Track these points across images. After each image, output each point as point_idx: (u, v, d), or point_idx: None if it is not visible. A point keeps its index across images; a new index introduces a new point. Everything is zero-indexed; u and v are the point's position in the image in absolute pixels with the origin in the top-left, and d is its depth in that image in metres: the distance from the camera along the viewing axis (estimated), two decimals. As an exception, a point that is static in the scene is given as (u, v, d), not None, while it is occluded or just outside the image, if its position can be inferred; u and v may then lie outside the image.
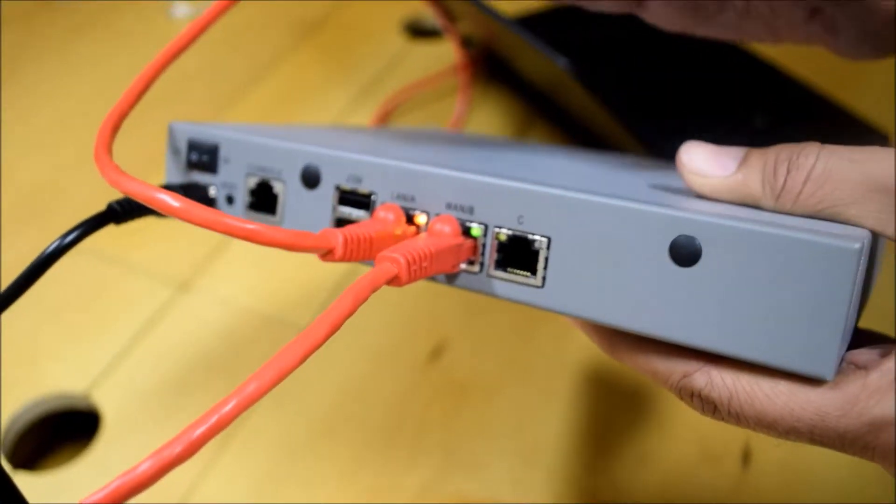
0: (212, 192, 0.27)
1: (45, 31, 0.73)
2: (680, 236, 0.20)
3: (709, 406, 0.21)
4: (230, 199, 0.26)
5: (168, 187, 0.26)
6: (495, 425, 0.42)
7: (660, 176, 0.29)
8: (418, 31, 0.74)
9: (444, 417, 0.43)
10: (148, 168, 0.55)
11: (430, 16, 0.72)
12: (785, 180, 0.21)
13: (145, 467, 0.14)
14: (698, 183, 0.23)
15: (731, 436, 0.41)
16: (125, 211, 0.24)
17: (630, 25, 0.38)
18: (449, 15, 0.66)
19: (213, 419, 0.15)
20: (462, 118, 0.61)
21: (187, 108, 0.62)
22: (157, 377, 0.44)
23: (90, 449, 0.41)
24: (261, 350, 0.46)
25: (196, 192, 0.26)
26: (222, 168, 0.26)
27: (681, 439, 0.42)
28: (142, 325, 0.46)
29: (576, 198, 0.21)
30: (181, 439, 0.15)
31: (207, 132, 0.26)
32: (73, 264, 0.49)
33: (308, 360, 0.48)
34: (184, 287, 0.49)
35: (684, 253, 0.20)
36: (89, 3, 0.76)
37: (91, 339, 0.46)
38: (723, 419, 0.22)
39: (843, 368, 0.20)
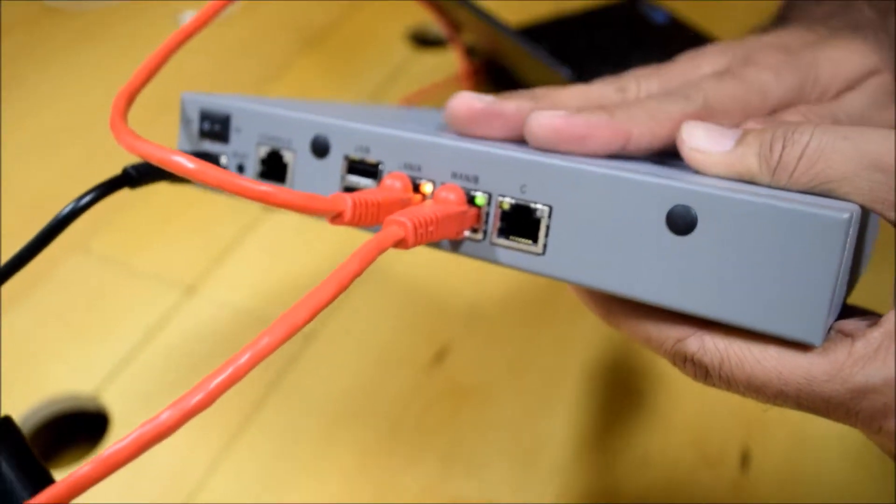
0: (223, 160, 0.27)
1: (49, 37, 0.72)
2: (677, 206, 0.21)
3: (700, 370, 0.22)
4: (241, 168, 0.27)
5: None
6: (496, 427, 0.43)
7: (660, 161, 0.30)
8: (423, 41, 0.75)
9: (445, 419, 0.43)
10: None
11: (435, 25, 0.73)
12: (780, 156, 0.22)
13: (166, 416, 0.15)
14: (697, 158, 0.24)
15: (729, 438, 0.42)
16: (140, 175, 0.24)
17: (632, 36, 0.39)
18: (453, 25, 0.67)
19: (230, 370, 0.16)
20: None
21: None
22: (164, 378, 0.44)
23: (98, 450, 0.41)
24: None
25: (207, 161, 0.27)
26: (233, 137, 0.27)
27: (680, 441, 0.42)
28: (148, 328, 0.47)
29: (577, 168, 0.22)
30: (200, 389, 0.15)
31: (219, 102, 0.27)
32: (80, 268, 0.50)
33: (312, 363, 0.49)
34: (190, 290, 0.49)
35: (681, 222, 0.21)
36: (95, 9, 0.76)
37: (98, 341, 0.46)
38: (714, 384, 0.22)
39: (831, 336, 0.21)
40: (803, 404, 0.21)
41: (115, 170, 0.21)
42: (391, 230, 0.21)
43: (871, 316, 0.23)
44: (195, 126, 0.27)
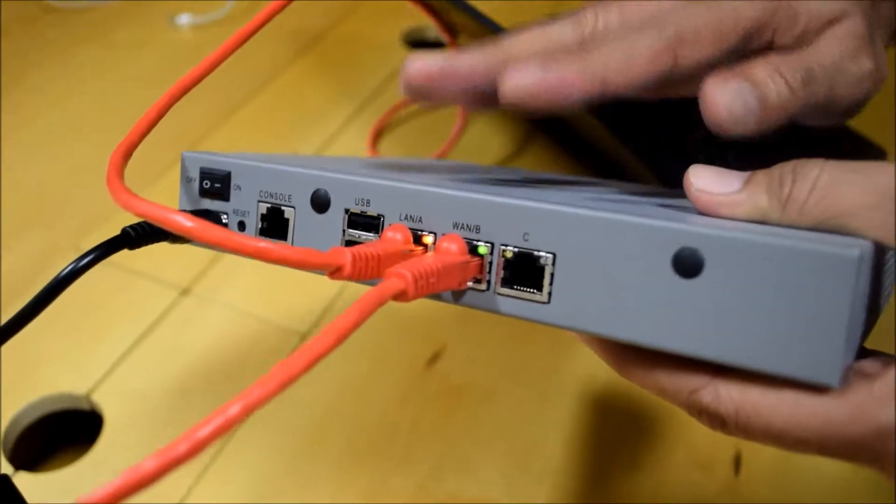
0: (224, 219, 0.27)
1: (48, 37, 0.74)
2: (683, 248, 0.20)
3: (717, 421, 0.22)
4: (242, 226, 0.27)
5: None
6: (490, 429, 0.43)
7: (666, 199, 0.29)
8: (419, 44, 0.75)
9: (439, 421, 0.43)
10: (146, 177, 0.56)
11: (431, 28, 0.73)
12: (790, 190, 0.22)
13: (150, 465, 0.14)
14: (704, 199, 0.23)
15: (722, 443, 0.42)
16: (139, 235, 0.24)
17: None
18: (449, 28, 0.67)
19: (219, 420, 0.15)
20: (461, 131, 0.62)
21: (185, 118, 0.62)
22: (159, 380, 0.44)
23: (92, 450, 0.41)
24: (260, 355, 0.46)
25: (209, 219, 0.27)
26: (234, 195, 0.27)
27: (673, 445, 0.42)
28: (144, 329, 0.47)
29: (579, 214, 0.21)
30: (186, 439, 0.15)
31: (219, 160, 0.27)
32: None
33: None
34: (186, 292, 0.50)
35: (687, 264, 0.20)
36: (93, 11, 0.77)
37: (93, 342, 0.47)
38: (732, 433, 0.22)
39: (849, 377, 0.20)
40: (826, 450, 0.20)
41: None
42: (391, 282, 0.20)
43: (886, 356, 0.22)
44: (196, 185, 0.27)
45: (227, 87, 0.67)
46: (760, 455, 0.41)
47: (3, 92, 0.66)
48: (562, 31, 0.27)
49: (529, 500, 0.40)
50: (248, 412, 0.16)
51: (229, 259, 0.52)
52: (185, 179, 0.28)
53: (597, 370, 0.46)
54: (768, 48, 0.27)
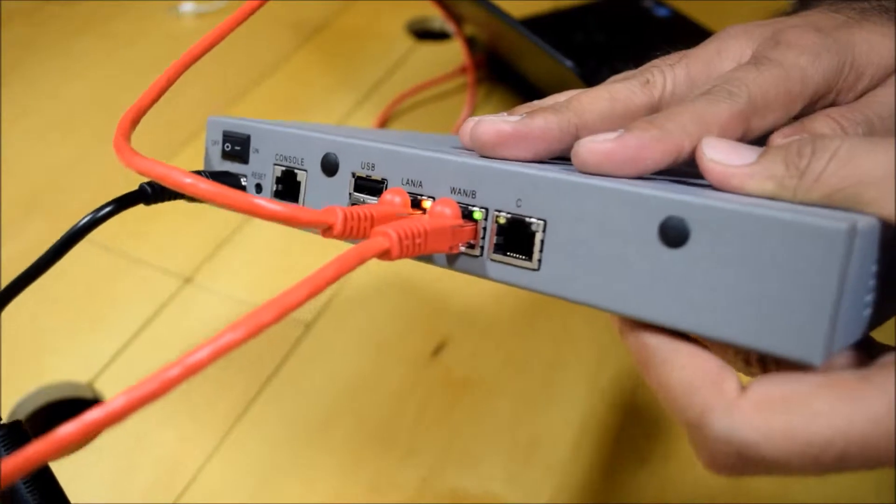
0: (243, 181, 0.28)
1: (49, 27, 0.74)
2: (669, 217, 0.20)
3: (730, 453, 0.20)
4: (259, 188, 0.28)
5: (203, 175, 0.28)
6: (493, 422, 0.43)
7: (680, 176, 0.29)
8: (423, 34, 0.75)
9: (442, 413, 0.43)
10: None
11: (436, 17, 0.73)
12: (809, 160, 0.21)
13: (119, 402, 0.15)
14: (717, 171, 0.23)
15: None
16: (155, 193, 0.25)
17: (634, 29, 0.38)
18: (455, 17, 0.67)
19: (187, 362, 0.16)
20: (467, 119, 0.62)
21: (188, 107, 0.62)
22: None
23: (94, 440, 0.42)
24: (261, 342, 0.47)
25: (229, 181, 0.28)
26: (253, 158, 0.28)
27: (678, 439, 0.41)
28: (146, 317, 0.48)
29: (569, 180, 0.22)
30: (155, 379, 0.16)
31: (240, 124, 0.28)
32: (79, 256, 0.51)
33: (311, 354, 0.49)
34: (188, 280, 0.50)
35: (673, 234, 0.20)
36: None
37: (96, 329, 0.47)
38: (749, 469, 0.20)
39: (874, 372, 0.20)
40: (873, 450, 0.19)
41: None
42: (376, 241, 0.21)
43: None
44: (219, 147, 0.28)
45: (232, 76, 0.67)
46: None
47: (4, 82, 0.67)
48: (631, 92, 0.26)
49: (533, 494, 0.40)
50: (215, 356, 0.17)
51: (233, 248, 0.52)
52: (210, 143, 0.29)
53: (602, 363, 0.45)
54: (831, 102, 0.27)
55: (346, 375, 0.45)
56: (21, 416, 0.44)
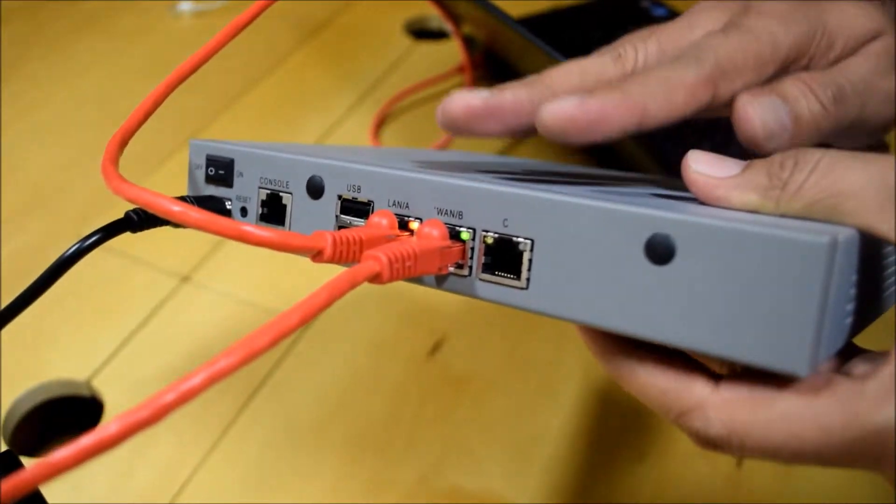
0: (228, 205, 0.28)
1: (49, 27, 0.74)
2: (655, 234, 0.20)
3: (709, 445, 0.22)
4: (244, 212, 0.28)
5: (187, 200, 0.28)
6: (491, 420, 0.43)
7: (665, 189, 0.30)
8: (421, 33, 0.75)
9: (441, 411, 0.43)
10: (151, 163, 0.57)
11: (434, 17, 0.73)
12: (791, 172, 0.22)
13: (113, 428, 0.15)
14: (701, 182, 0.23)
15: None
16: (141, 220, 0.25)
17: (631, 29, 0.39)
18: (453, 16, 0.67)
19: (182, 388, 0.16)
20: None
21: (188, 106, 0.62)
22: (159, 367, 0.45)
23: None
24: None
25: (213, 205, 0.28)
26: (237, 182, 0.28)
27: (675, 435, 0.42)
28: (145, 316, 0.48)
29: (553, 199, 0.22)
30: (149, 405, 0.16)
31: (223, 147, 0.28)
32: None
33: (308, 353, 0.49)
34: (186, 280, 0.50)
35: (659, 251, 0.20)
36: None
37: (94, 328, 0.47)
38: (726, 452, 0.22)
39: (840, 381, 0.20)
40: (825, 459, 0.20)
41: None
42: (367, 265, 0.21)
43: (873, 354, 0.22)
44: (202, 172, 0.28)
45: (230, 76, 0.68)
46: None
47: (4, 80, 0.67)
48: (603, 66, 0.27)
49: (531, 491, 0.40)
50: (210, 382, 0.17)
51: (230, 247, 0.52)
52: (193, 166, 0.29)
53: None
54: (803, 70, 0.28)
55: (343, 374, 0.45)
56: (19, 413, 0.44)
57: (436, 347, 0.47)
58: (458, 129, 0.25)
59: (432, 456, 0.41)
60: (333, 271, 0.55)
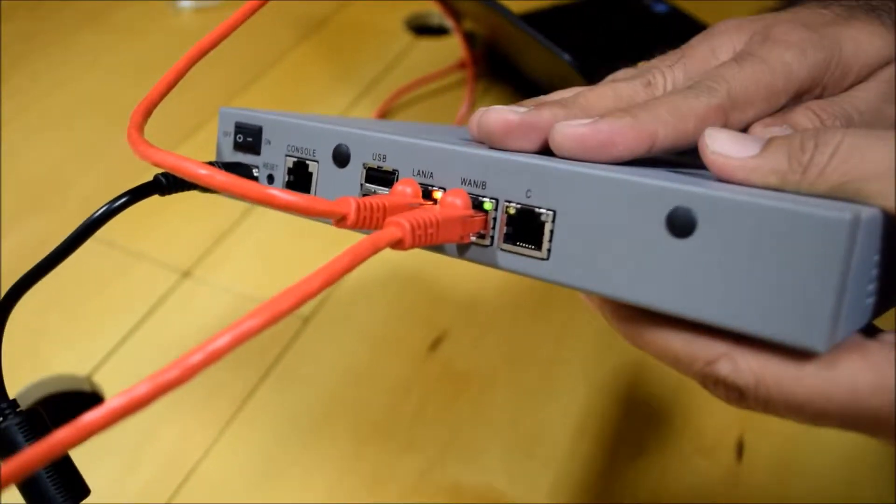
0: (255, 172, 0.29)
1: (50, 21, 0.74)
2: (676, 208, 0.20)
3: (734, 393, 0.21)
4: (271, 179, 0.28)
5: (215, 165, 0.28)
6: (492, 416, 0.43)
7: (684, 166, 0.30)
8: (422, 29, 0.75)
9: (443, 406, 0.43)
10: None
11: (434, 13, 0.73)
12: (812, 154, 0.22)
13: (143, 389, 0.16)
14: (721, 163, 0.23)
15: (724, 428, 0.42)
16: (170, 183, 0.26)
17: (632, 25, 0.39)
18: (454, 12, 0.67)
19: (209, 349, 0.17)
20: (466, 116, 0.62)
21: (189, 101, 0.62)
22: (160, 362, 0.45)
23: None
24: (261, 338, 0.48)
25: (241, 171, 0.28)
26: (264, 149, 0.28)
27: (677, 431, 0.42)
28: (145, 311, 0.48)
29: (577, 171, 0.22)
30: (177, 365, 0.16)
31: (252, 115, 0.28)
32: (79, 250, 0.52)
33: (310, 347, 0.50)
34: (187, 274, 0.50)
35: (680, 224, 0.20)
36: None
37: (95, 323, 0.47)
38: (749, 406, 0.22)
39: (873, 346, 0.20)
40: (847, 421, 0.20)
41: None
42: (389, 230, 0.21)
43: None
44: (231, 138, 0.29)
45: (232, 71, 0.68)
46: (763, 442, 0.41)
47: (5, 76, 0.67)
48: (634, 91, 0.27)
49: (532, 487, 0.40)
50: (235, 343, 0.17)
51: (231, 241, 0.53)
52: (222, 134, 0.29)
53: (602, 357, 0.46)
54: (817, 97, 0.28)
55: (344, 369, 0.45)
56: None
57: (438, 342, 0.47)
58: (493, 142, 0.26)
59: (433, 451, 0.41)
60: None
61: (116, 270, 0.51)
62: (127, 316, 0.48)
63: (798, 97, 0.27)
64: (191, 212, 0.54)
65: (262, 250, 0.53)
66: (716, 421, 0.42)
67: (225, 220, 0.54)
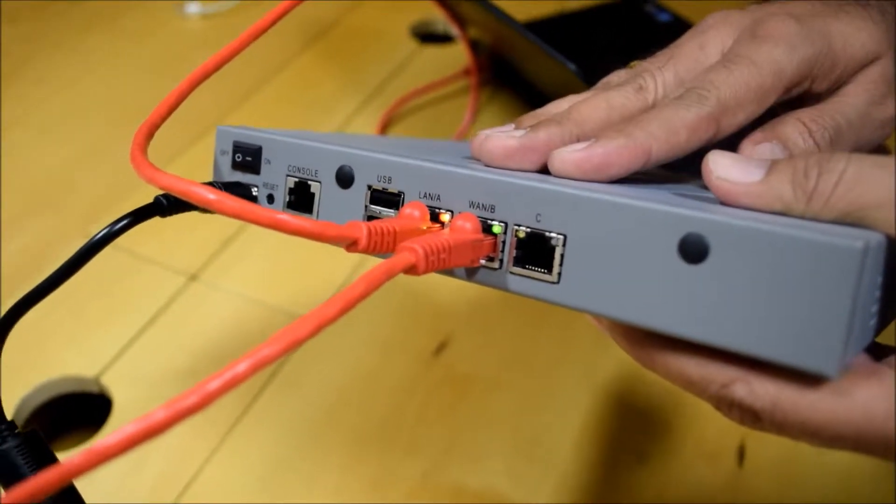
0: (254, 191, 0.28)
1: (56, 26, 0.74)
2: (689, 234, 0.21)
3: (749, 416, 0.22)
4: (271, 199, 0.28)
5: (215, 186, 0.28)
6: (495, 419, 0.43)
7: (689, 188, 0.30)
8: (427, 36, 0.76)
9: (445, 410, 0.44)
10: (159, 160, 0.57)
11: (439, 20, 0.73)
12: (816, 183, 0.22)
13: (160, 415, 0.15)
14: (725, 189, 0.23)
15: (726, 434, 0.42)
16: (170, 205, 0.25)
17: (636, 34, 0.39)
18: (459, 19, 0.68)
19: (227, 376, 0.16)
20: (470, 124, 0.62)
21: (195, 107, 0.62)
22: (167, 364, 0.45)
23: (101, 433, 0.42)
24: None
25: (240, 192, 0.28)
26: (264, 169, 0.28)
27: (677, 436, 0.42)
28: (153, 314, 0.48)
29: (589, 196, 0.22)
30: (196, 391, 0.16)
31: (251, 134, 0.28)
32: None
33: (314, 351, 0.49)
34: (194, 278, 0.50)
35: (693, 250, 0.21)
36: None
37: (103, 325, 0.47)
38: (763, 428, 0.22)
39: (886, 372, 0.21)
40: (862, 446, 0.21)
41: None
42: (402, 256, 0.21)
43: None
44: (229, 158, 0.28)
45: (237, 77, 0.68)
46: (765, 448, 0.41)
47: (10, 79, 0.67)
48: (626, 99, 0.28)
49: (534, 490, 0.40)
50: (254, 370, 0.17)
51: (238, 245, 0.52)
52: (220, 152, 0.29)
53: (604, 362, 0.46)
54: (805, 93, 0.28)
55: (348, 372, 0.45)
56: (27, 409, 0.43)
57: (441, 347, 0.47)
58: (495, 166, 0.26)
59: (436, 454, 0.41)
60: (336, 268, 0.54)
61: (124, 273, 0.51)
62: (134, 318, 0.48)
63: (788, 91, 0.27)
64: (198, 215, 0.54)
65: (269, 254, 0.52)
66: (717, 427, 0.42)
67: (232, 224, 0.54)
